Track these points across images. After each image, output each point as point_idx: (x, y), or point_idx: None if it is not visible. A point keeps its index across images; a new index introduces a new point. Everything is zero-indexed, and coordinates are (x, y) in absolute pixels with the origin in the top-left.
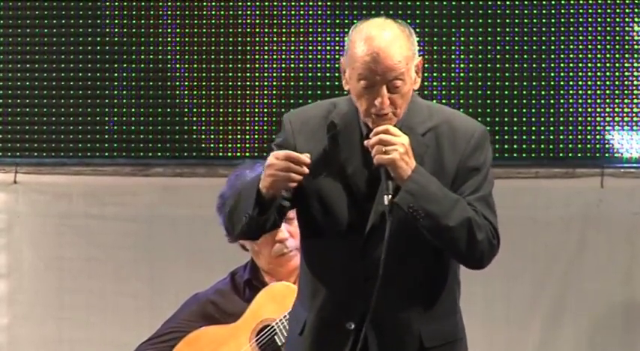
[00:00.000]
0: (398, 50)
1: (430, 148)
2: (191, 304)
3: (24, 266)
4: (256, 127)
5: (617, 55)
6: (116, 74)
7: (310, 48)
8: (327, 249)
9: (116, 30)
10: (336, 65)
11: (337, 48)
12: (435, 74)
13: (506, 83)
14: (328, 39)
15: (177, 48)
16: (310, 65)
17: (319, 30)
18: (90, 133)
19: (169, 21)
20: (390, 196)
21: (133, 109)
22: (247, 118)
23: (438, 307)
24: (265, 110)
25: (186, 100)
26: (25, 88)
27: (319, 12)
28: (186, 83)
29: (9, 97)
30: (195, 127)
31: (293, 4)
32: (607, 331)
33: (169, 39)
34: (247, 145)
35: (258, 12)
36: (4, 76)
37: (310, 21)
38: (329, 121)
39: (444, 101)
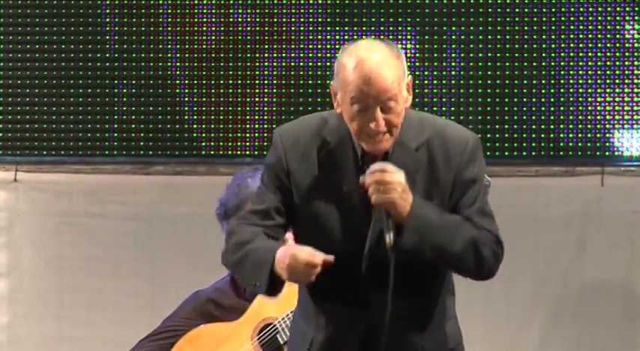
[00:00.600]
0: (389, 71)
1: (423, 163)
2: (191, 302)
3: (24, 265)
4: (256, 126)
5: (617, 54)
6: (116, 73)
7: (311, 46)
8: (326, 271)
9: (116, 28)
10: None
11: (337, 47)
12: (435, 73)
13: (507, 82)
14: (328, 38)
15: (178, 46)
16: (311, 64)
17: (319, 28)
18: (90, 132)
19: (169, 19)
20: (391, 234)
21: (134, 108)
22: (247, 117)
23: (435, 320)
24: (265, 109)
25: (186, 99)
26: (25, 86)
27: (319, 11)
28: (186, 82)
29: (9, 95)
30: (195, 126)
31: (294, 2)
32: (607, 329)
33: (169, 38)
34: (247, 144)
35: (258, 11)
36: (5, 75)
37: (311, 19)
38: (320, 139)
39: (444, 99)
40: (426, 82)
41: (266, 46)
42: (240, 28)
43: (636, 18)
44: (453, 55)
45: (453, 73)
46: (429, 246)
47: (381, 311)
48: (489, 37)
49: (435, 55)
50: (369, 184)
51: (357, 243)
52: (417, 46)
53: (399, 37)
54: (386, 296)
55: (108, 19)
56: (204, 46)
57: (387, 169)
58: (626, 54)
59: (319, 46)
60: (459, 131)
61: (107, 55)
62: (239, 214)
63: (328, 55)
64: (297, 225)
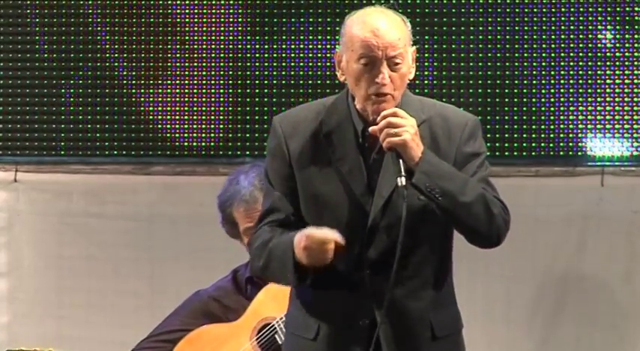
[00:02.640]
0: (397, 28)
1: (426, 140)
2: (193, 301)
3: (24, 265)
4: (256, 126)
5: (617, 54)
6: (116, 73)
7: (310, 46)
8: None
9: (116, 29)
10: None
11: (338, 47)
12: (435, 73)
13: (507, 82)
14: (329, 38)
15: (178, 46)
16: (310, 64)
17: (319, 29)
18: (90, 132)
19: (169, 20)
20: (404, 178)
21: (133, 108)
22: (247, 117)
23: (443, 296)
24: (265, 109)
25: (186, 99)
26: (25, 87)
27: (319, 10)
28: (186, 82)
29: (9, 95)
30: (195, 126)
31: (293, 2)
32: (607, 329)
33: (169, 38)
34: (247, 144)
35: (258, 11)
36: (4, 74)
37: (311, 19)
38: (320, 121)
39: (444, 99)
40: (426, 81)
41: (266, 46)
42: (240, 28)
43: (637, 18)
44: (453, 55)
45: (453, 73)
46: (439, 191)
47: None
48: (489, 37)
49: (435, 55)
50: (380, 127)
51: (361, 218)
52: (417, 47)
53: None
54: (397, 269)
55: (108, 19)
56: (204, 46)
57: (399, 113)
58: (626, 54)
59: (319, 46)
60: (459, 111)
61: (107, 55)
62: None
63: (329, 54)
64: (300, 205)
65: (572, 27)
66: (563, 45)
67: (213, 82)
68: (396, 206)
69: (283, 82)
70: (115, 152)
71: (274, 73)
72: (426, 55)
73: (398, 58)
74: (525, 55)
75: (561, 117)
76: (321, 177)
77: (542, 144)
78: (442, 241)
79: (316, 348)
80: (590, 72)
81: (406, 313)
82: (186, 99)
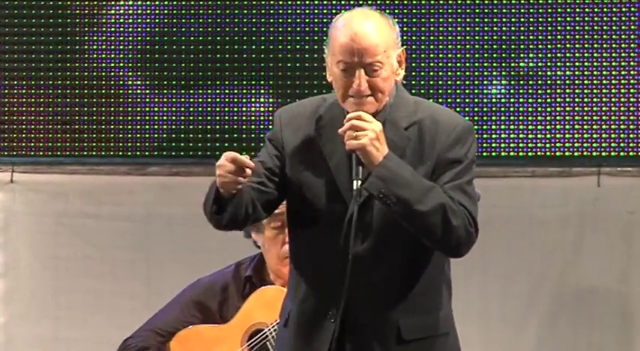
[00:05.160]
0: (377, 34)
1: (412, 142)
2: (191, 290)
3: (20, 265)
4: (252, 127)
5: (613, 54)
6: (113, 73)
7: (307, 47)
8: (311, 240)
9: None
10: None
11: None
12: (431, 73)
13: (503, 81)
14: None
15: (174, 48)
16: (307, 64)
17: (316, 29)
18: (86, 133)
19: (166, 20)
20: (359, 182)
21: (130, 109)
22: (244, 118)
23: (419, 301)
24: (262, 109)
25: (182, 99)
26: (21, 87)
27: (316, 11)
28: (182, 82)
29: (5, 96)
30: (191, 127)
31: (289, 3)
32: (603, 329)
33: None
34: (244, 144)
35: (254, 11)
36: (0, 75)
37: (307, 20)
38: (317, 115)
39: (440, 100)
40: (422, 82)
41: (262, 47)
42: (236, 28)
43: (633, 18)
44: (449, 55)
45: (449, 73)
46: (393, 198)
47: (361, 282)
48: (485, 37)
49: (431, 55)
50: (344, 130)
51: (343, 211)
52: (413, 47)
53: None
54: (367, 268)
55: (104, 20)
56: (200, 47)
57: (363, 117)
58: (622, 54)
59: (316, 47)
60: (453, 115)
61: (104, 55)
62: None
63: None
64: (288, 193)
65: (567, 27)
66: (559, 45)
67: (209, 82)
68: (376, 206)
69: (280, 82)
70: (111, 153)
71: (270, 73)
72: (422, 55)
73: (375, 65)
74: (522, 55)
75: (557, 117)
76: (309, 168)
77: (539, 144)
78: (419, 246)
79: (287, 335)
80: (586, 72)
81: (371, 312)
82: (182, 100)
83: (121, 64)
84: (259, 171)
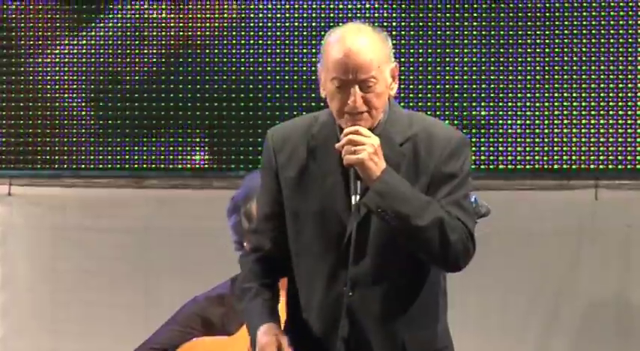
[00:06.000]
0: (370, 50)
1: (407, 157)
2: (190, 307)
3: (18, 278)
4: (250, 140)
5: (611, 68)
6: (110, 86)
7: (305, 60)
8: (311, 263)
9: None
10: None
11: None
12: (429, 86)
13: (501, 95)
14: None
15: (172, 60)
16: (305, 77)
17: (314, 42)
18: (84, 146)
19: (163, 33)
20: (357, 197)
21: (128, 122)
22: (242, 131)
23: (420, 315)
24: (259, 123)
25: (180, 113)
26: (19, 100)
27: (313, 24)
28: (180, 95)
29: (3, 109)
30: (189, 140)
31: (286, 5)
32: (601, 342)
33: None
34: (241, 158)
35: (252, 24)
36: None
37: (304, 32)
38: (310, 134)
39: (437, 113)
40: (420, 95)
41: (260, 60)
42: (234, 41)
43: (630, 31)
44: (447, 68)
45: (447, 86)
46: (392, 213)
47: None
48: (483, 50)
49: (429, 68)
50: (341, 145)
51: (342, 232)
52: (411, 60)
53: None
54: (367, 287)
55: (102, 33)
56: (198, 59)
57: (361, 131)
58: (620, 68)
59: (314, 60)
60: (447, 129)
61: (101, 68)
62: (250, 227)
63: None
64: (286, 218)
65: (566, 40)
66: (557, 58)
67: (207, 95)
68: (375, 224)
69: (277, 95)
70: (109, 166)
71: (269, 86)
72: (420, 68)
73: (370, 81)
74: (520, 68)
75: (555, 130)
76: (304, 190)
77: (537, 157)
78: (417, 262)
79: None
80: (584, 85)
81: (376, 328)
82: (180, 113)
83: (119, 78)
84: (266, 229)
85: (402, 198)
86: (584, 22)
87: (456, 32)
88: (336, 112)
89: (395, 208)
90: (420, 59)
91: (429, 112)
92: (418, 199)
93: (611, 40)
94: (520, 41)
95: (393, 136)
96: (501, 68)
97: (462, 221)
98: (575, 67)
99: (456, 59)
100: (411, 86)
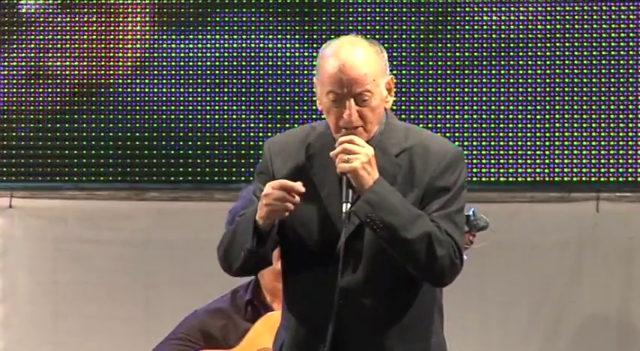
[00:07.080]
0: (365, 63)
1: (403, 169)
2: (190, 320)
3: (19, 290)
4: (252, 152)
5: (612, 80)
6: (112, 98)
7: (305, 72)
8: (303, 270)
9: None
10: None
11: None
12: (430, 98)
13: (502, 107)
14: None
15: (173, 72)
16: (306, 89)
17: (314, 54)
18: (85, 158)
19: (165, 45)
20: (348, 205)
21: (129, 134)
22: (243, 143)
23: (411, 328)
24: (260, 135)
25: (181, 125)
26: (20, 112)
27: (311, 38)
28: (181, 108)
29: (4, 121)
30: (190, 152)
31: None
32: None
33: (172, 63)
34: (243, 170)
35: (253, 36)
36: None
37: (306, 45)
38: (306, 144)
39: (439, 125)
40: (421, 107)
41: (261, 72)
42: (235, 54)
43: (631, 44)
44: (448, 80)
45: (448, 98)
46: (380, 223)
47: (352, 311)
48: (484, 62)
49: (430, 80)
50: (336, 153)
51: (333, 245)
52: (412, 73)
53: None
54: (358, 297)
55: (103, 45)
56: (199, 72)
57: (355, 140)
58: (621, 80)
59: (314, 72)
60: (444, 142)
61: (102, 81)
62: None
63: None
64: (280, 225)
65: (566, 53)
66: (557, 70)
67: (208, 107)
68: (368, 233)
69: (278, 107)
70: (110, 178)
71: (269, 99)
72: (421, 80)
73: (365, 95)
74: (520, 80)
75: (556, 143)
76: (302, 199)
77: (538, 170)
78: (409, 274)
79: None
80: (585, 97)
81: (365, 342)
82: (181, 125)
83: (120, 89)
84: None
85: (392, 209)
86: (585, 35)
87: (457, 44)
88: (333, 127)
89: (384, 218)
90: (421, 71)
91: (429, 126)
92: (408, 211)
93: (612, 53)
94: (521, 53)
95: (389, 147)
96: (502, 80)
97: (451, 236)
98: (576, 80)
99: (457, 71)
100: (411, 98)
